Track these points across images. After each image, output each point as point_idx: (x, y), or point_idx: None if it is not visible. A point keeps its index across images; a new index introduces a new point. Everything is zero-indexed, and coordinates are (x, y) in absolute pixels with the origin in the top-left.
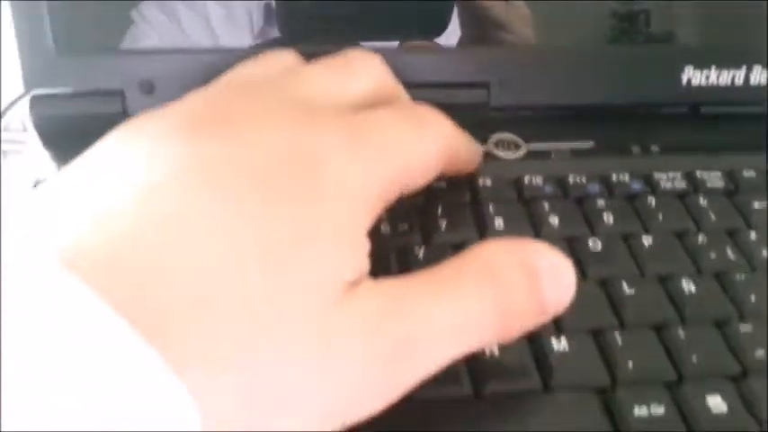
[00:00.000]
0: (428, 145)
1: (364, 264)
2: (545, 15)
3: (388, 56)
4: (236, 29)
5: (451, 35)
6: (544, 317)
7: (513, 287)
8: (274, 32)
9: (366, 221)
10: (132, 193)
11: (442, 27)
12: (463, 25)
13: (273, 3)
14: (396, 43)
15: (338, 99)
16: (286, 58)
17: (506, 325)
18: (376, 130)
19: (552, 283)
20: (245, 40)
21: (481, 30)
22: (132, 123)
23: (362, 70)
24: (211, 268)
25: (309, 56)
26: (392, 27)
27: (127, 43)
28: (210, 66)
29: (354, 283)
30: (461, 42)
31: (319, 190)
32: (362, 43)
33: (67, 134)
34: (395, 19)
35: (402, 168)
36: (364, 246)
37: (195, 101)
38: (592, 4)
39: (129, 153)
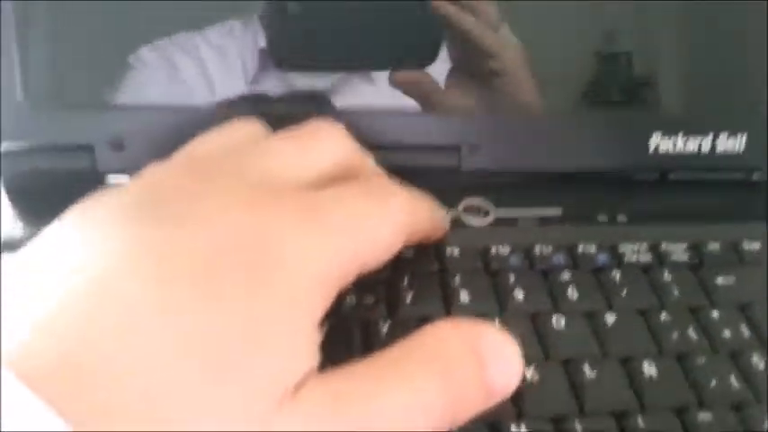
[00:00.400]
0: (388, 222)
1: (313, 361)
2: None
3: (359, 118)
4: (231, 74)
5: (442, 64)
6: (492, 400)
7: (460, 370)
8: (269, 77)
9: (320, 310)
10: (81, 289)
11: (432, 57)
12: (452, 55)
13: (266, 44)
14: (386, 73)
15: (299, 175)
16: (251, 129)
17: (454, 409)
18: (334, 208)
19: (499, 366)
20: (239, 86)
21: (470, 59)
22: (88, 205)
23: (325, 144)
24: (156, 372)
25: (278, 119)
26: (383, 56)
27: (125, 89)
28: (179, 123)
29: (300, 383)
30: (436, 107)
31: (271, 282)
32: (354, 72)
33: (36, 189)
34: (385, 48)
35: (360, 248)
36: (315, 341)
37: (152, 179)
38: (562, 70)
39: (79, 241)
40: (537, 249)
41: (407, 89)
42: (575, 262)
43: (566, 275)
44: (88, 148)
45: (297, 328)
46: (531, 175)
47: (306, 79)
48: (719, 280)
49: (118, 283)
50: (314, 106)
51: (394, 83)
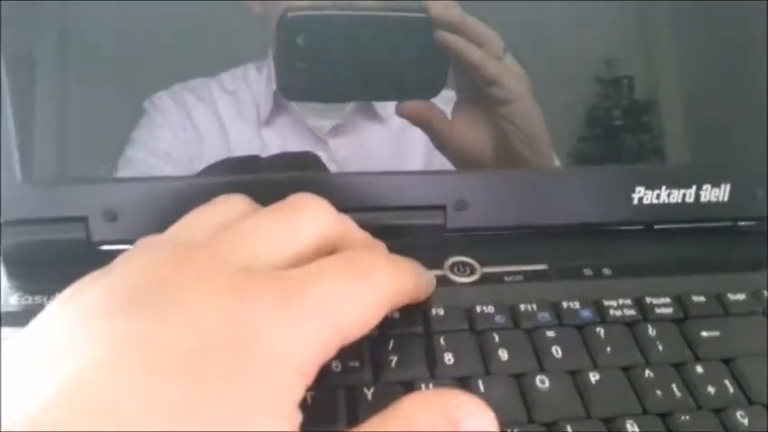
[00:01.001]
0: (370, 296)
1: None
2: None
3: (347, 180)
4: (244, 118)
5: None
6: None
7: None
8: (282, 120)
9: (302, 391)
10: (63, 382)
11: (438, 87)
12: (458, 85)
13: (276, 79)
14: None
15: (281, 253)
16: (236, 204)
17: None
18: (314, 289)
19: None
20: (252, 129)
21: (475, 89)
22: (73, 292)
23: (307, 219)
24: None
25: (267, 185)
26: (390, 88)
27: (139, 134)
28: (171, 194)
29: None
30: (443, 137)
31: (250, 371)
32: (361, 102)
33: (33, 259)
34: (392, 80)
35: (343, 324)
36: (296, 422)
37: (138, 268)
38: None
39: (63, 331)
40: (522, 307)
41: (414, 120)
42: (559, 319)
43: (550, 333)
44: (82, 220)
45: (279, 412)
46: (517, 230)
47: (315, 119)
48: (703, 334)
49: (105, 375)
50: (303, 167)
51: (401, 113)
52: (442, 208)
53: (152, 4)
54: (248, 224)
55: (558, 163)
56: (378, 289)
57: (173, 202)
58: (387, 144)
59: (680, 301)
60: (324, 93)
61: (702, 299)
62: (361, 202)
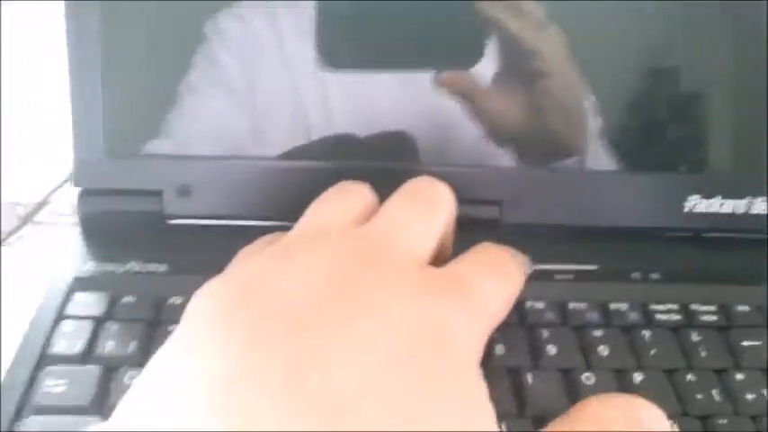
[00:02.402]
0: (512, 292)
1: None
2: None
3: (400, 174)
4: (304, 32)
5: (486, 64)
6: None
7: None
8: None
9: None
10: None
11: (476, 57)
12: (497, 56)
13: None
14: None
15: (432, 247)
16: (364, 194)
17: None
18: (483, 286)
19: None
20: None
21: (515, 60)
22: (224, 305)
23: (441, 211)
24: None
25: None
26: (427, 57)
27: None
28: (245, 173)
29: None
30: (480, 108)
31: (460, 373)
32: (398, 71)
33: (108, 228)
34: (430, 49)
35: (497, 321)
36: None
37: (317, 261)
38: (606, 129)
39: (216, 348)
40: (571, 305)
41: (451, 89)
42: (607, 319)
43: (597, 333)
44: (157, 194)
45: (489, 411)
46: (569, 229)
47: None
48: (745, 343)
49: (339, 373)
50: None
51: (438, 83)
52: (498, 203)
53: None
54: (396, 216)
55: (589, 144)
56: (515, 286)
57: (246, 182)
58: None
59: (724, 310)
60: (361, 62)
61: (746, 308)
62: None
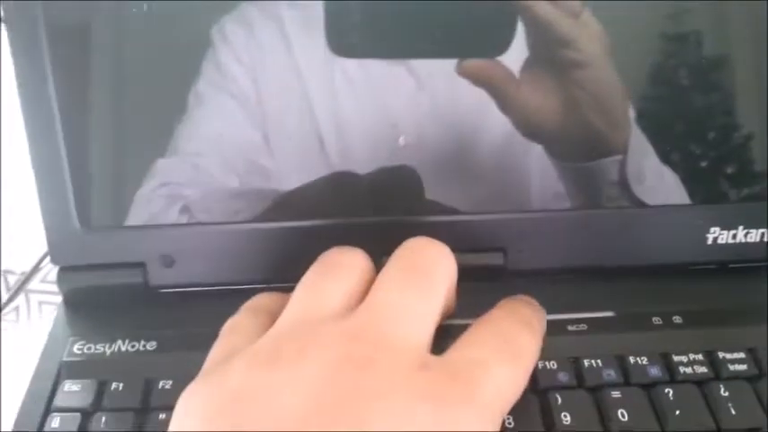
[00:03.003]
0: (524, 376)
1: None
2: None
3: (412, 226)
4: (314, 36)
5: (516, 55)
6: None
7: None
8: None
9: None
10: None
11: (505, 45)
12: (528, 44)
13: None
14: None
15: (431, 329)
16: (360, 264)
17: None
18: (485, 379)
19: None
20: (321, 49)
21: (547, 48)
22: (211, 418)
23: (441, 282)
24: None
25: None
26: (452, 44)
27: (206, 66)
28: (229, 239)
29: None
30: (509, 100)
31: None
32: (419, 60)
33: (92, 304)
34: (454, 36)
35: (504, 411)
36: None
37: (307, 372)
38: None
39: None
40: (586, 363)
41: (477, 79)
42: (625, 376)
43: (616, 393)
44: (140, 265)
45: None
46: (582, 272)
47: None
48: None
49: None
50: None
51: (463, 72)
52: (502, 249)
53: None
54: (391, 299)
55: (633, 135)
56: (529, 365)
57: (230, 247)
58: None
59: (754, 355)
60: (380, 49)
61: None
62: None
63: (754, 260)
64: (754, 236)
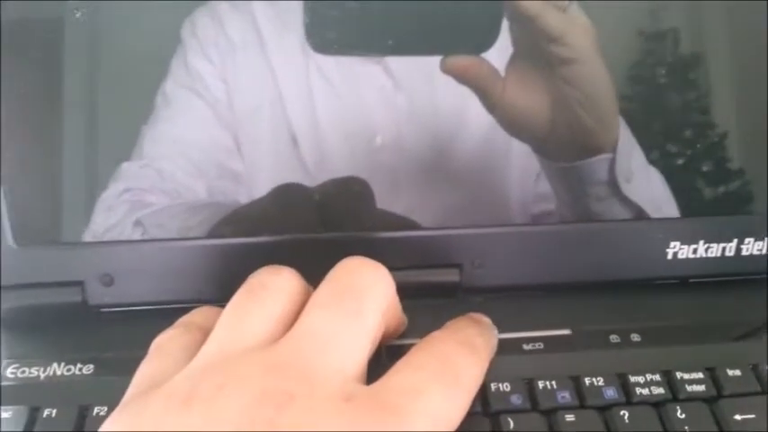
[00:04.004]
0: (464, 398)
1: None
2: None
3: (362, 242)
4: (286, 30)
5: (501, 51)
6: None
7: None
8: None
9: None
10: None
11: (490, 41)
12: (513, 38)
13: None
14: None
15: (363, 357)
16: (288, 287)
17: None
18: (417, 406)
19: None
20: (294, 43)
21: (533, 44)
22: None
23: (374, 303)
24: None
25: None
26: (435, 40)
27: (175, 63)
28: (169, 257)
29: None
30: (494, 98)
31: None
32: (397, 59)
33: (30, 324)
34: (437, 31)
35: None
36: None
37: (223, 408)
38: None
39: None
40: (540, 384)
41: (461, 76)
42: (580, 398)
43: (569, 417)
44: (78, 284)
45: None
46: (540, 289)
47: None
48: (737, 417)
49: None
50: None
51: (446, 69)
52: (458, 266)
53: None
54: (319, 327)
55: (621, 134)
56: (470, 389)
57: (172, 265)
58: None
59: (713, 375)
60: (361, 45)
61: (738, 372)
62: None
63: (714, 275)
64: (715, 250)
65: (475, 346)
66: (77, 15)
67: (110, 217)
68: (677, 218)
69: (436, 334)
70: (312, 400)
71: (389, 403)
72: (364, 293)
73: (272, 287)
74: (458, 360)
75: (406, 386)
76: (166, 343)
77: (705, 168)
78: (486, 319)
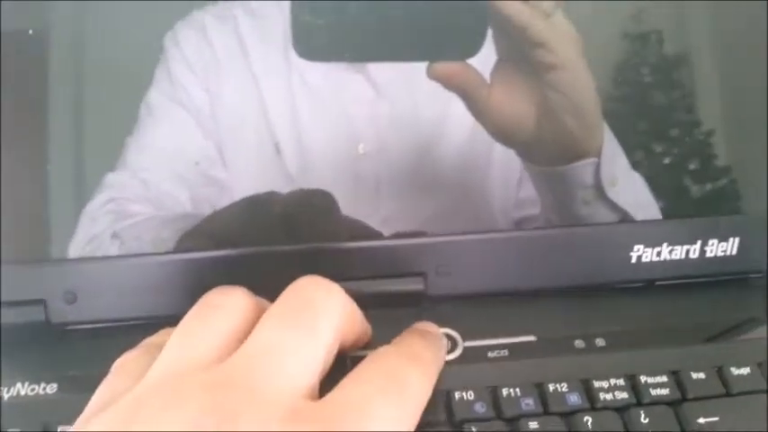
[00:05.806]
0: (412, 411)
1: None
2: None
3: (326, 252)
4: (269, 41)
5: (487, 57)
6: None
7: None
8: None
9: None
10: None
11: (476, 47)
12: (498, 45)
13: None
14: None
15: (314, 372)
16: (240, 305)
17: None
18: (364, 422)
19: None
20: (277, 53)
21: (519, 50)
22: None
23: (327, 320)
24: None
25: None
26: (421, 46)
27: (159, 73)
28: (133, 274)
29: None
30: (479, 104)
31: None
32: (391, 63)
33: None
34: (423, 37)
35: None
36: None
37: (165, 421)
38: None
39: None
40: (504, 392)
41: (447, 83)
42: (544, 405)
43: (533, 424)
44: (40, 302)
45: None
46: (504, 295)
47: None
48: (701, 420)
49: None
50: (316, 204)
51: (432, 75)
52: (422, 274)
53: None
54: (269, 342)
55: (606, 138)
56: (418, 402)
57: (133, 281)
58: None
59: (677, 379)
60: (345, 52)
61: (702, 376)
62: (336, 272)
63: (679, 277)
64: (679, 252)
65: (421, 358)
66: (30, 33)
67: (93, 227)
68: (640, 221)
69: (382, 349)
70: (258, 418)
71: (335, 419)
72: (316, 309)
73: (222, 306)
74: (403, 373)
75: (351, 401)
76: (126, 363)
77: (689, 169)
78: (435, 331)
